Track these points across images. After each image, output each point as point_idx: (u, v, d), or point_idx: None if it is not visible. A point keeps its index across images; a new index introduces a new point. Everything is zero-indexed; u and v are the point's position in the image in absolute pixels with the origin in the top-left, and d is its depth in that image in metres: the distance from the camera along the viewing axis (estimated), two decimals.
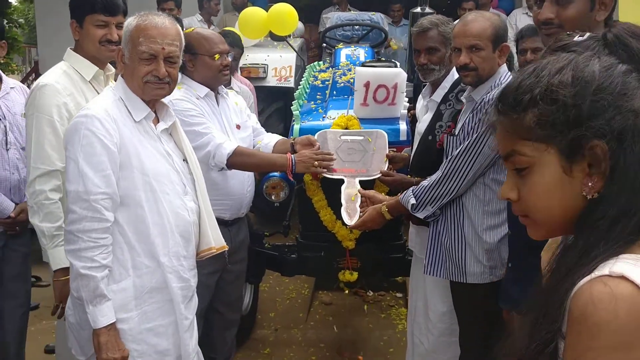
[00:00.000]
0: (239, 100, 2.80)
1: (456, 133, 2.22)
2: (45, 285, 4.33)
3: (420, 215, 2.24)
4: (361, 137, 2.71)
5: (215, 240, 2.05)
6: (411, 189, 2.28)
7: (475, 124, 2.15)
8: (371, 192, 2.50)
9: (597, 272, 0.80)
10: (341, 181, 2.58)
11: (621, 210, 0.84)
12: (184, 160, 2.02)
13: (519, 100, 0.88)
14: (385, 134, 2.74)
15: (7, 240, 2.64)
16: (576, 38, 1.00)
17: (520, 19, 5.86)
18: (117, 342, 1.80)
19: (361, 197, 2.48)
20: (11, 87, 2.70)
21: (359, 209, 2.43)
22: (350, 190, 2.52)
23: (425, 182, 2.24)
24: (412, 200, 2.24)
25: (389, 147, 2.75)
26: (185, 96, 2.49)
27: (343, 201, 2.49)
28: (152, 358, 1.89)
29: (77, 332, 1.89)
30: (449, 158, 2.21)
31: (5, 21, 8.07)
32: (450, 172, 2.17)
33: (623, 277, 0.77)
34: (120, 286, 1.84)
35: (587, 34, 1.00)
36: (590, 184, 0.86)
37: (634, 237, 0.83)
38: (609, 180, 0.85)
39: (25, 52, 14.27)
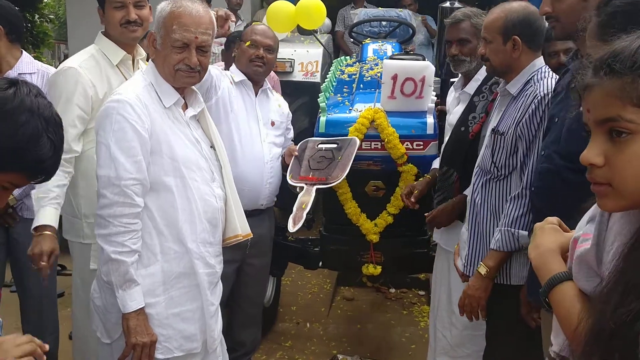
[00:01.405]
0: (283, 104, 2.86)
1: (502, 131, 2.05)
2: (69, 273, 4.38)
3: None
4: (335, 145, 2.75)
5: (242, 228, 2.06)
6: (506, 229, 1.99)
7: (538, 122, 1.98)
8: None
9: None
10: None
11: None
12: (211, 147, 2.02)
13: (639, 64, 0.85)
14: (357, 142, 2.72)
15: (8, 228, 2.64)
16: None
17: None
18: (146, 327, 1.81)
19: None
20: (30, 73, 2.61)
21: (305, 217, 2.44)
22: (304, 198, 2.54)
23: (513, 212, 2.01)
24: (524, 232, 1.95)
25: (415, 142, 2.75)
26: None
27: (294, 208, 2.51)
28: (179, 343, 1.89)
29: (103, 315, 1.90)
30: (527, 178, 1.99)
31: (37, 15, 8.22)
32: None
33: None
34: (149, 271, 1.84)
35: None
36: None
37: None
38: None
39: (54, 47, 14.53)
